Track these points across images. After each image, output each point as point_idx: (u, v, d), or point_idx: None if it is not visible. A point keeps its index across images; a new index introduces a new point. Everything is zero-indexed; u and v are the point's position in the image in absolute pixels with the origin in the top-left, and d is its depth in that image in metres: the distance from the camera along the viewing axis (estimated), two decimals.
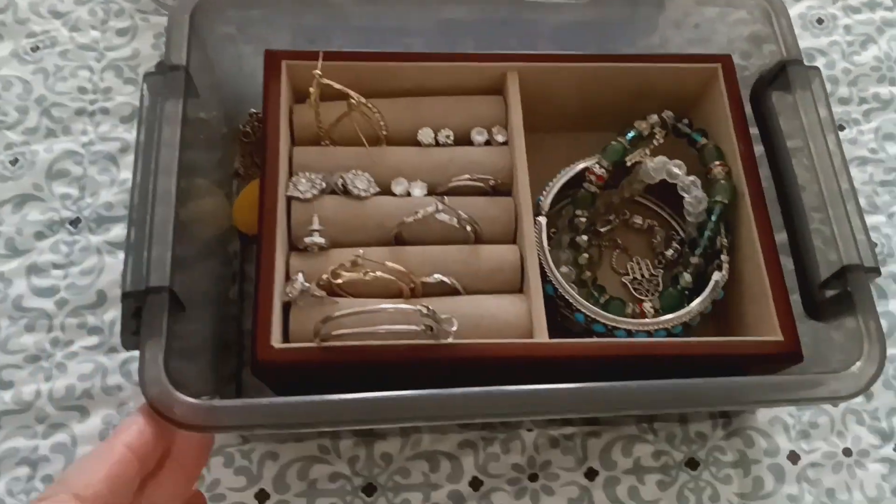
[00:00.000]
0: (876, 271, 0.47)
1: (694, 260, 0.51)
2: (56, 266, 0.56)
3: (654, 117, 0.54)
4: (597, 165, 0.53)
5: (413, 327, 0.44)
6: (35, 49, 0.62)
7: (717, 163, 0.52)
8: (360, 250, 0.46)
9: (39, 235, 0.57)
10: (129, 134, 0.60)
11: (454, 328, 0.44)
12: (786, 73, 0.52)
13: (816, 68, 0.52)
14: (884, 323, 0.56)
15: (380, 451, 0.51)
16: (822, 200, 0.48)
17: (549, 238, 0.53)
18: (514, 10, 0.58)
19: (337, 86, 0.49)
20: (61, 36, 0.62)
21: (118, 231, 0.57)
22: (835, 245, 0.47)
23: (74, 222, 0.57)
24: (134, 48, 0.62)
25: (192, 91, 0.50)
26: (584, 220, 0.53)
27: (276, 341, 0.44)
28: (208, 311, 0.52)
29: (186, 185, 0.49)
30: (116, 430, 0.39)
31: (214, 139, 0.58)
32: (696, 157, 0.54)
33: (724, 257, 0.51)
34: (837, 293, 0.47)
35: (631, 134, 0.53)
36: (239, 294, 0.56)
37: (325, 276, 0.46)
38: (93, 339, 0.54)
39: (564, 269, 0.52)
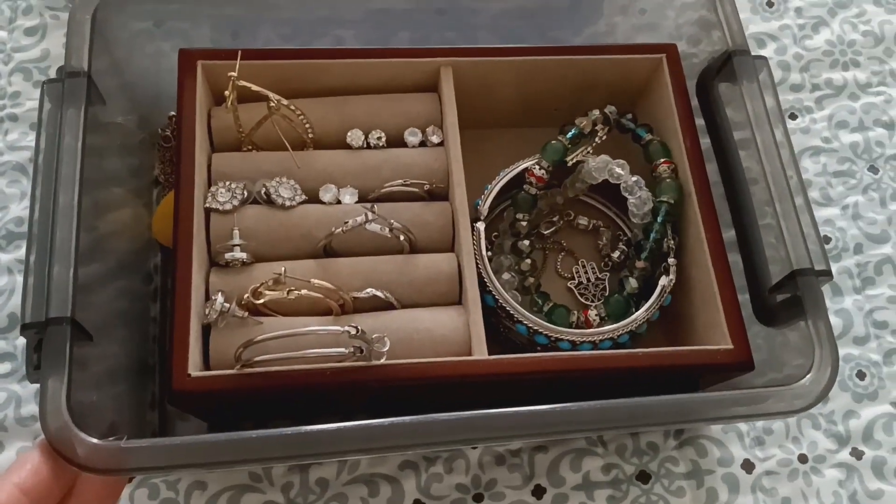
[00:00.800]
0: (827, 274, 0.45)
1: (640, 264, 0.49)
2: None
3: (596, 113, 0.51)
4: (536, 166, 0.50)
5: (342, 350, 0.41)
6: None
7: (663, 160, 0.50)
8: (283, 267, 0.42)
9: None
10: None
11: (386, 348, 0.41)
12: (731, 63, 0.50)
13: (763, 58, 0.50)
14: (838, 321, 0.55)
15: (315, 476, 0.48)
16: (770, 197, 0.46)
17: (490, 243, 0.51)
18: None
19: (255, 87, 0.46)
20: None
21: None
22: (784, 248, 0.45)
23: None
24: (44, 49, 0.58)
25: (97, 97, 0.46)
26: (525, 223, 0.50)
27: (195, 368, 0.41)
28: (124, 334, 0.49)
29: (96, 198, 0.45)
30: (9, 468, 0.36)
31: (130, 145, 0.54)
32: (641, 153, 0.52)
33: (671, 260, 0.48)
34: (788, 297, 0.45)
35: (572, 132, 0.50)
36: (161, 312, 0.52)
37: (246, 296, 0.43)
38: (5, 367, 0.51)
39: (507, 275, 0.49)
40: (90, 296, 0.42)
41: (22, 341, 0.51)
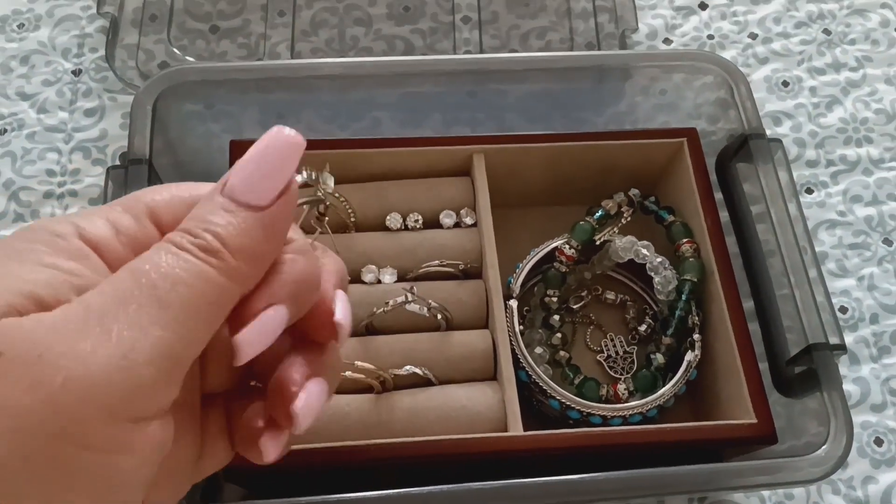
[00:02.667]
0: (841, 348, 0.47)
1: (666, 340, 0.51)
2: None
3: (621, 195, 0.54)
4: (566, 246, 0.53)
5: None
6: (3, 132, 0.61)
7: (686, 240, 0.53)
8: None
9: None
10: None
11: None
12: (748, 145, 0.53)
13: (778, 140, 0.53)
14: (856, 389, 0.57)
15: None
16: (785, 270, 0.49)
17: (522, 317, 0.54)
18: (480, 82, 0.58)
19: (303, 177, 0.49)
20: (29, 118, 0.62)
21: None
22: (800, 323, 0.47)
23: None
24: (102, 129, 0.62)
25: (156, 181, 0.50)
26: (555, 299, 0.53)
27: None
28: None
29: None
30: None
31: None
32: (664, 232, 0.54)
33: (696, 336, 0.51)
34: (805, 370, 0.48)
35: (598, 213, 0.53)
36: None
37: None
38: None
39: (539, 349, 0.52)
40: None
41: None
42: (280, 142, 0.26)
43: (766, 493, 0.54)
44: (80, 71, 0.64)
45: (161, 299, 0.22)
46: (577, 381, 0.51)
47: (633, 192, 0.55)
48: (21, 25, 0.66)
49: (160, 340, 0.22)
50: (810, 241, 0.50)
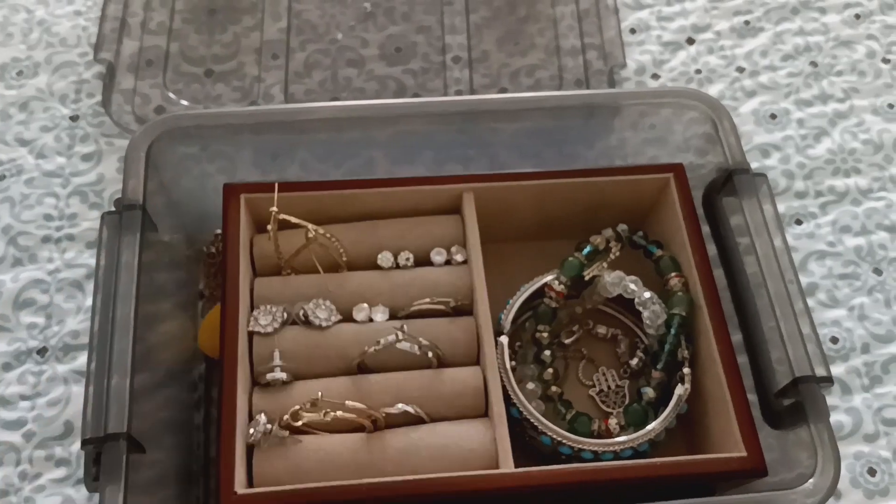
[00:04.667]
0: (828, 380, 0.48)
1: (656, 374, 0.52)
2: (23, 398, 0.56)
3: (609, 231, 0.55)
4: (556, 282, 0.53)
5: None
6: (1, 178, 0.63)
7: (674, 274, 0.53)
8: (319, 392, 0.46)
9: (7, 367, 0.57)
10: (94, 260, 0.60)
11: None
12: (732, 181, 0.53)
13: (763, 175, 0.54)
14: (848, 419, 0.57)
15: None
16: (772, 306, 0.49)
17: (514, 353, 0.54)
18: (471, 120, 0.59)
19: (293, 220, 0.50)
20: (27, 163, 0.63)
21: (84, 359, 0.57)
22: (786, 355, 0.48)
23: (41, 352, 0.58)
24: (99, 173, 0.63)
25: (150, 225, 0.51)
26: (546, 335, 0.53)
27: (240, 486, 0.44)
28: (171, 441, 0.52)
29: (147, 311, 0.50)
30: None
31: (177, 261, 0.59)
32: (653, 266, 0.55)
33: (685, 370, 0.51)
34: (793, 402, 0.48)
35: (587, 249, 0.54)
36: (205, 419, 0.56)
37: (286, 417, 0.46)
38: (60, 472, 0.54)
39: (531, 385, 0.52)
40: (141, 406, 0.46)
41: (76, 447, 0.55)
42: None
43: None
44: (78, 116, 0.65)
45: None
46: (568, 417, 0.51)
47: (621, 227, 0.55)
48: (20, 73, 0.67)
49: None
50: (796, 273, 0.50)
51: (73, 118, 0.65)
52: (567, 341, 0.57)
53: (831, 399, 0.58)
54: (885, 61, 0.71)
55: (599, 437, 0.50)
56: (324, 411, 0.45)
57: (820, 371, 0.48)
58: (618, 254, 0.55)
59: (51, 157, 0.63)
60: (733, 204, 0.54)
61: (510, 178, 0.55)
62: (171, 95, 0.65)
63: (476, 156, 0.62)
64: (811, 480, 0.45)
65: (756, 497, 0.45)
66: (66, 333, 0.58)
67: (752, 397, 0.50)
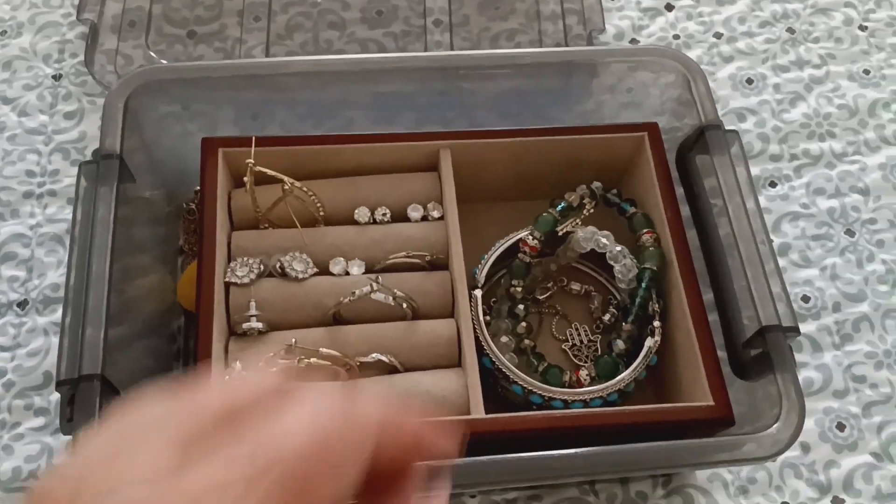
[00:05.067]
0: (795, 330, 0.48)
1: (626, 327, 0.53)
2: (3, 348, 0.57)
3: (584, 188, 0.56)
4: (529, 236, 0.54)
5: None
6: None
7: (646, 230, 0.54)
8: (294, 338, 0.47)
9: None
10: None
11: None
12: (704, 137, 0.54)
13: (734, 132, 0.54)
14: (819, 375, 0.58)
15: None
16: (742, 262, 0.50)
17: (489, 308, 0.55)
18: (451, 81, 0.59)
19: (270, 172, 0.50)
20: (10, 121, 0.64)
21: None
22: (753, 306, 0.49)
23: (22, 304, 0.58)
24: (81, 131, 0.64)
25: (128, 177, 0.52)
26: (520, 289, 0.54)
27: None
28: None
29: (126, 265, 0.50)
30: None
31: (158, 217, 0.59)
32: (626, 225, 0.56)
33: (656, 323, 0.52)
34: (760, 352, 0.49)
35: (561, 205, 0.55)
36: (184, 369, 0.57)
37: (261, 364, 0.47)
38: (39, 421, 0.55)
39: (504, 338, 0.53)
40: (119, 355, 0.47)
41: (56, 397, 0.55)
42: None
43: (728, 477, 0.55)
44: (61, 76, 0.66)
45: None
46: (540, 368, 0.52)
47: (596, 184, 0.56)
48: (3, 32, 0.68)
49: None
50: (767, 233, 0.51)
51: (56, 77, 0.66)
52: (541, 297, 0.57)
53: (802, 356, 0.59)
54: (862, 28, 0.71)
55: (571, 387, 0.51)
56: (298, 358, 0.46)
57: (787, 321, 0.48)
58: (591, 210, 0.56)
59: (34, 114, 0.64)
60: (707, 164, 0.55)
61: (487, 136, 0.56)
62: (153, 55, 0.66)
63: (455, 118, 0.63)
64: (775, 426, 0.46)
65: (720, 441, 0.46)
66: (46, 286, 0.59)
67: (723, 354, 0.51)
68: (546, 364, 0.53)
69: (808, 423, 0.56)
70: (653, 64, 0.58)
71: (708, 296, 0.53)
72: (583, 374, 0.52)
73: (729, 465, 0.52)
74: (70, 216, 0.60)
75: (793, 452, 0.56)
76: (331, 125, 0.62)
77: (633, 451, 0.45)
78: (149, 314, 0.56)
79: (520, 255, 0.55)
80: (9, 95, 0.65)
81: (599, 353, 0.56)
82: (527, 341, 0.54)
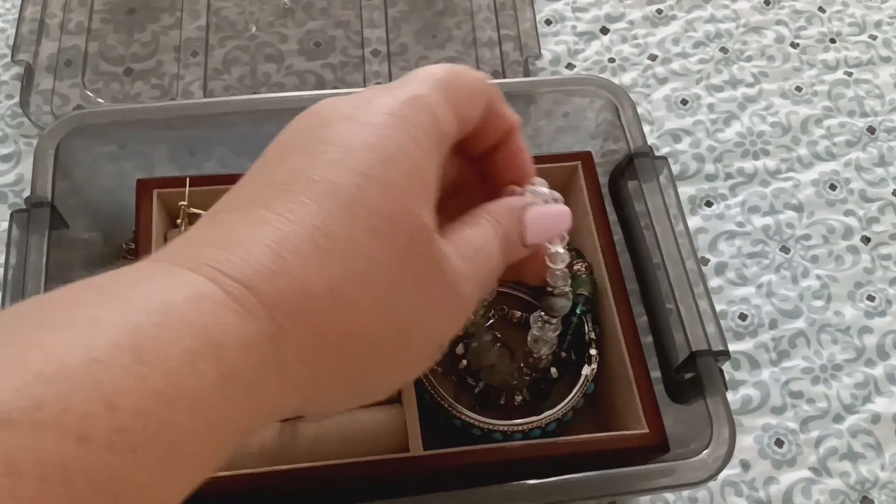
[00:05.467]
0: (725, 354, 0.49)
1: (561, 355, 0.53)
2: None
3: None
4: None
5: None
6: None
7: (577, 261, 0.55)
8: None
9: None
10: None
11: None
12: (633, 164, 0.55)
13: (664, 158, 0.55)
14: (756, 392, 0.59)
15: None
16: (671, 286, 0.51)
17: None
18: None
19: (202, 213, 0.50)
20: None
21: None
22: (683, 332, 0.50)
23: None
24: (18, 173, 0.63)
25: (60, 223, 0.52)
26: None
27: None
28: None
29: None
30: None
31: (95, 258, 0.59)
32: None
33: (592, 351, 0.53)
34: (692, 376, 0.50)
35: None
36: None
37: None
38: None
39: (440, 369, 0.54)
40: None
41: None
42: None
43: (671, 497, 0.56)
44: None
45: None
46: (477, 389, 0.53)
47: None
48: None
49: None
50: (695, 255, 0.52)
51: None
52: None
53: (741, 374, 0.60)
54: (794, 45, 0.73)
55: (506, 409, 0.52)
56: None
57: (716, 345, 0.49)
58: None
59: None
60: (637, 189, 0.56)
61: None
62: (90, 94, 0.66)
63: None
64: (706, 451, 0.46)
65: (656, 468, 0.47)
66: None
67: (658, 376, 0.52)
68: (483, 384, 0.53)
69: (748, 441, 0.57)
70: (585, 92, 0.59)
71: (643, 319, 0.54)
72: (517, 397, 0.53)
73: (666, 490, 0.53)
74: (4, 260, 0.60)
75: (733, 470, 0.57)
76: None
77: (571, 482, 0.46)
78: None
79: None
80: None
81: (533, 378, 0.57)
82: (463, 361, 0.54)
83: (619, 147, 0.60)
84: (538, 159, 0.58)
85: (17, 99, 0.66)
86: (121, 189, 0.59)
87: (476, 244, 0.32)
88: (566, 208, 0.39)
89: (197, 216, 0.51)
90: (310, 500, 0.51)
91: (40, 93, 0.65)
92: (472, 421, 0.51)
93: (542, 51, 0.70)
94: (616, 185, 0.57)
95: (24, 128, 0.65)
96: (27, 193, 0.62)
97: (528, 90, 0.59)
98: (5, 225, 0.61)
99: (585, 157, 0.57)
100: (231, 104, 0.58)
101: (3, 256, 0.59)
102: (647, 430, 0.49)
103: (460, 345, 0.55)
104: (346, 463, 0.46)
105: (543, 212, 0.37)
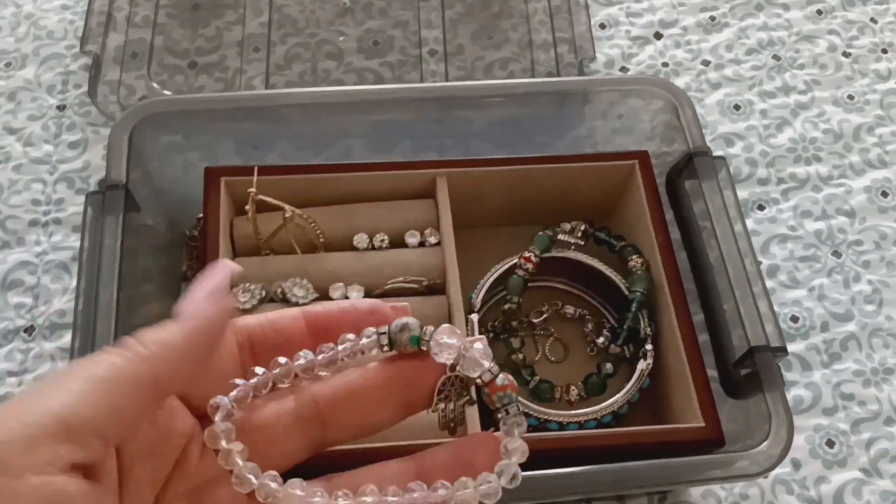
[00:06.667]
0: (783, 350, 0.50)
1: (614, 349, 0.54)
2: (11, 374, 0.58)
3: (568, 226, 0.57)
4: (530, 254, 0.56)
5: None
6: None
7: (635, 256, 0.56)
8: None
9: None
10: None
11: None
12: (693, 163, 0.56)
13: (722, 158, 0.56)
14: (808, 393, 0.60)
15: None
16: (730, 284, 0.52)
17: (485, 332, 0.56)
18: (446, 110, 0.61)
19: (272, 201, 0.52)
20: (15, 151, 0.65)
21: (70, 338, 0.59)
22: (742, 327, 0.50)
23: (29, 330, 0.59)
24: (85, 160, 0.65)
25: (133, 206, 0.53)
26: (516, 305, 0.55)
27: None
28: None
29: (130, 294, 0.51)
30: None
31: (161, 245, 0.61)
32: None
33: (648, 346, 0.54)
34: (749, 372, 0.50)
35: (558, 232, 0.57)
36: None
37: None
38: None
39: (500, 359, 0.55)
40: None
41: None
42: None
43: (721, 493, 0.56)
44: (65, 106, 0.67)
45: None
46: (532, 384, 0.54)
47: (584, 224, 0.57)
48: (8, 64, 0.69)
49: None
50: (754, 255, 0.53)
51: (60, 108, 0.67)
52: (536, 321, 0.59)
53: (792, 375, 0.60)
54: (846, 55, 0.73)
55: (561, 404, 0.53)
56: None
57: (775, 342, 0.50)
58: (582, 244, 0.57)
59: (38, 144, 0.65)
60: (696, 189, 0.56)
61: (482, 164, 0.57)
62: (156, 86, 0.67)
63: (452, 145, 0.64)
64: (765, 443, 0.47)
65: (713, 459, 0.47)
66: (52, 313, 0.60)
67: (714, 373, 0.53)
68: (538, 378, 0.54)
69: (799, 441, 0.58)
70: (642, 92, 0.60)
71: (699, 317, 0.54)
72: (572, 391, 0.53)
73: (721, 482, 0.53)
74: (74, 244, 0.62)
75: (784, 469, 0.57)
76: (329, 154, 0.63)
77: (629, 469, 0.46)
78: None
79: (517, 271, 0.56)
80: (14, 126, 0.66)
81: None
82: (519, 354, 0.55)
83: (674, 149, 0.61)
84: (594, 157, 0.59)
85: (84, 88, 0.68)
86: (187, 179, 0.60)
87: None
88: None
89: (266, 205, 0.52)
90: None
91: (107, 83, 0.67)
92: (528, 411, 0.52)
93: (597, 54, 0.71)
94: (673, 185, 0.58)
95: (91, 116, 0.67)
96: (94, 180, 0.65)
97: (587, 89, 0.60)
98: (73, 209, 0.63)
99: (642, 157, 0.58)
100: (294, 96, 0.59)
101: (75, 239, 0.61)
102: (703, 424, 0.50)
103: (516, 339, 0.56)
104: (405, 445, 0.47)
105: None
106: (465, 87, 0.61)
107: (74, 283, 0.61)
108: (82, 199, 0.63)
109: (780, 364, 0.50)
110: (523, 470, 0.37)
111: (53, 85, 0.68)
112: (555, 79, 0.67)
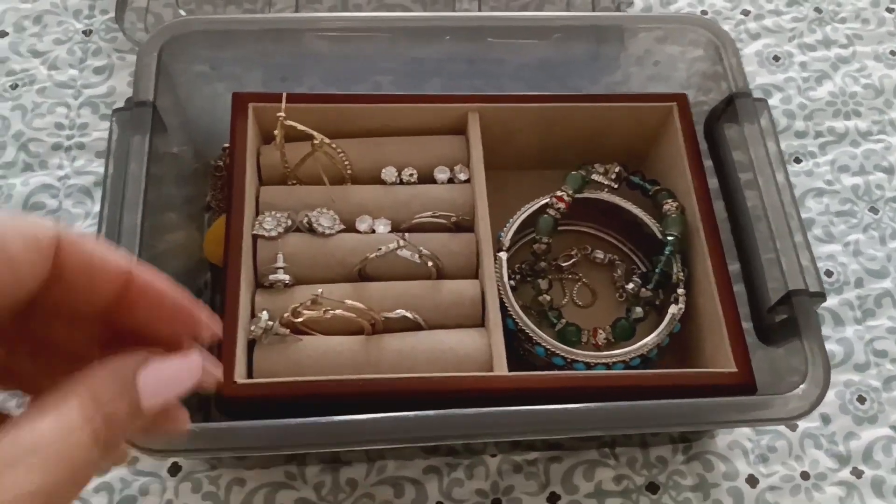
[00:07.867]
0: (821, 296, 0.48)
1: (645, 293, 0.53)
2: None
3: (601, 167, 0.56)
4: (563, 193, 0.54)
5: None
6: (14, 87, 0.64)
7: (669, 200, 0.54)
8: (320, 289, 0.47)
9: None
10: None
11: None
12: (734, 105, 0.54)
13: (763, 100, 0.54)
14: (840, 349, 0.58)
15: (345, 476, 0.52)
16: (770, 230, 0.50)
17: (512, 273, 0.55)
18: (479, 49, 0.60)
19: (300, 127, 0.51)
20: (40, 74, 0.64)
21: None
22: (781, 271, 0.49)
23: None
24: (110, 86, 0.64)
25: (160, 126, 0.52)
26: (545, 245, 0.54)
27: (240, 377, 0.46)
28: None
29: (155, 221, 0.50)
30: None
31: (185, 174, 0.60)
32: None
33: (680, 291, 0.52)
34: (785, 318, 0.49)
35: (592, 172, 0.55)
36: None
37: (286, 314, 0.47)
38: None
39: (526, 301, 0.54)
40: None
41: None
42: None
43: (748, 444, 0.55)
44: (91, 31, 0.66)
45: None
46: (558, 326, 0.52)
47: (619, 168, 0.56)
48: None
49: None
50: (796, 206, 0.51)
51: (87, 33, 0.66)
52: (564, 264, 0.58)
53: (824, 329, 0.59)
54: (890, 10, 0.71)
55: (588, 348, 0.52)
56: (324, 309, 0.47)
57: (813, 286, 0.48)
58: (616, 186, 0.56)
59: (63, 68, 0.64)
60: (735, 136, 0.55)
61: (515, 101, 0.56)
62: (183, 13, 0.66)
63: (482, 87, 0.63)
64: (801, 387, 0.45)
65: (743, 401, 0.46)
66: None
67: (747, 325, 0.51)
68: (564, 321, 0.53)
69: (829, 395, 0.56)
70: (682, 35, 0.58)
71: (733, 267, 0.53)
72: (600, 334, 0.52)
73: (751, 424, 0.52)
74: (98, 169, 0.61)
75: (813, 423, 0.56)
76: (358, 90, 0.62)
77: (655, 408, 0.45)
78: (177, 269, 0.56)
79: (548, 210, 0.54)
80: (39, 49, 0.65)
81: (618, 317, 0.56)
82: (546, 296, 0.54)
83: (710, 98, 0.59)
84: (631, 98, 0.58)
85: (111, 14, 0.66)
86: (212, 108, 0.59)
87: (37, 441, 0.22)
88: (195, 359, 0.27)
89: (292, 132, 0.51)
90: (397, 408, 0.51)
91: (134, 10, 0.65)
92: (555, 350, 0.51)
93: (634, 0, 0.69)
94: (711, 130, 0.57)
95: (118, 42, 0.66)
96: (118, 105, 0.63)
97: (629, 25, 0.58)
98: (97, 134, 0.62)
99: (681, 99, 0.57)
100: (323, 21, 0.57)
101: (98, 164, 0.60)
102: (735, 370, 0.48)
103: (544, 280, 0.54)
104: (430, 377, 0.46)
105: (162, 370, 0.26)
106: (500, 17, 0.59)
107: (97, 208, 0.60)
108: (106, 124, 0.62)
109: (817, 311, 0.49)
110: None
111: (80, 10, 0.67)
112: (593, 13, 0.65)
